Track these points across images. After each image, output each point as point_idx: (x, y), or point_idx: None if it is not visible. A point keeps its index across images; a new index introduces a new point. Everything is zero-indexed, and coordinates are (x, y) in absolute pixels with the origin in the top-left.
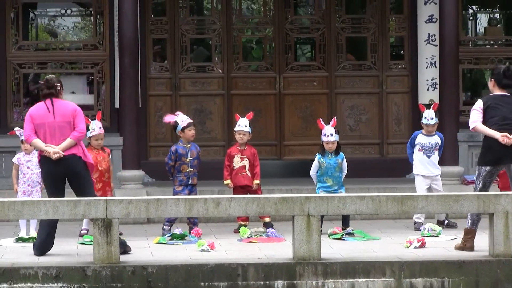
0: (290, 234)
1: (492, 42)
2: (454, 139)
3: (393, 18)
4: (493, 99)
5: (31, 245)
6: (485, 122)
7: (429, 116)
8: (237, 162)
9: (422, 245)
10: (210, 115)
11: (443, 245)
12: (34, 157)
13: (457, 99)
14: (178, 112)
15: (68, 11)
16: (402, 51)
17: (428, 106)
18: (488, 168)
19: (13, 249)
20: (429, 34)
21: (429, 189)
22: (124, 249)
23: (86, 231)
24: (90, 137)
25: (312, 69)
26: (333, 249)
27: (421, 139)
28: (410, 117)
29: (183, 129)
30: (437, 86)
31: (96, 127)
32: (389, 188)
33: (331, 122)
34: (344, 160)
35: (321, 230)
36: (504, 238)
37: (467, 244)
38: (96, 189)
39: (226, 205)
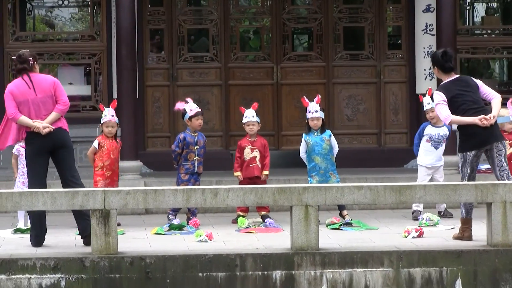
0: (288, 224)
1: (489, 32)
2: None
3: (391, 7)
4: (452, 87)
5: (29, 236)
6: (454, 111)
7: (426, 102)
8: (247, 154)
9: (420, 235)
10: (208, 106)
11: (441, 235)
12: None
13: None
14: (188, 99)
15: (65, 2)
16: (400, 41)
17: (424, 95)
18: (473, 152)
19: (11, 240)
20: (426, 23)
21: (431, 179)
22: None
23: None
24: (101, 124)
25: (309, 59)
26: (331, 239)
27: (430, 130)
28: (407, 107)
29: (190, 117)
30: (435, 75)
31: (108, 114)
32: (387, 178)
33: (315, 99)
34: (332, 137)
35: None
36: (502, 228)
37: (465, 233)
38: (105, 176)
39: (224, 195)
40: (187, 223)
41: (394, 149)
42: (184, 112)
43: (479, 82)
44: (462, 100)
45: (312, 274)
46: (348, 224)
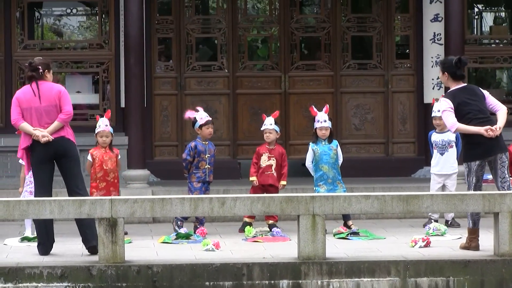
0: (295, 233)
1: (497, 41)
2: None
3: (399, 17)
4: (459, 95)
5: (36, 244)
6: (460, 119)
7: (435, 109)
8: (264, 161)
9: (427, 245)
10: (216, 114)
11: (448, 245)
12: None
13: None
14: (199, 108)
15: (74, 11)
16: (408, 50)
17: (437, 100)
18: (478, 162)
19: (18, 249)
20: (434, 33)
21: (443, 188)
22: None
23: None
24: (96, 134)
25: (317, 69)
26: (338, 248)
27: (434, 137)
28: (415, 116)
29: (201, 126)
30: (443, 85)
31: (102, 124)
32: (394, 187)
33: (324, 109)
34: (339, 147)
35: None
36: (509, 238)
37: (472, 243)
38: (99, 188)
39: (231, 204)
40: (194, 232)
41: (401, 158)
42: (194, 121)
43: (485, 92)
44: (469, 108)
45: (319, 283)
46: (355, 233)
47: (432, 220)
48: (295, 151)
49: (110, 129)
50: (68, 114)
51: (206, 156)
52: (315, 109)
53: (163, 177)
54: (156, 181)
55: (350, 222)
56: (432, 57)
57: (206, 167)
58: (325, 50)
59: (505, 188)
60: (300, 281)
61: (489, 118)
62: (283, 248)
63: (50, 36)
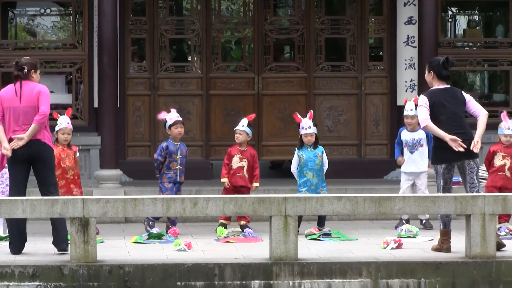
0: (267, 234)
1: (471, 44)
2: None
3: (373, 19)
4: (437, 95)
5: (7, 243)
6: (433, 119)
7: (408, 108)
8: (235, 162)
9: (399, 246)
10: (189, 115)
11: (420, 246)
12: None
13: None
14: (172, 109)
15: (48, 11)
16: (381, 53)
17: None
18: (444, 165)
19: None
20: (408, 35)
21: (413, 187)
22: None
23: None
24: (57, 132)
25: (291, 70)
26: (310, 249)
27: (404, 135)
28: (388, 118)
29: (170, 126)
30: (416, 87)
31: (64, 121)
32: (366, 189)
33: (308, 115)
34: (324, 154)
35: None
36: (481, 240)
37: (444, 245)
38: (59, 186)
39: (204, 205)
40: (166, 232)
41: (374, 160)
42: (165, 122)
43: (468, 97)
44: (443, 111)
45: (291, 284)
46: (327, 234)
47: (403, 221)
48: (268, 152)
49: (71, 127)
50: (42, 115)
51: (178, 157)
52: (299, 116)
53: (135, 177)
54: (128, 181)
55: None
56: (405, 60)
57: (177, 167)
58: (298, 52)
59: (474, 193)
60: (271, 282)
61: (462, 125)
62: (255, 249)
63: (24, 36)
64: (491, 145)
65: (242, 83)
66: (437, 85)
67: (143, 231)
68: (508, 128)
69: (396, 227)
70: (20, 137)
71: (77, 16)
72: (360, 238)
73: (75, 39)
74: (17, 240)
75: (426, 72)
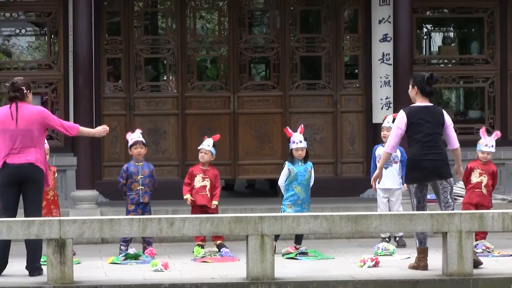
0: (244, 253)
1: (446, 61)
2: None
3: (348, 37)
4: (417, 113)
5: None
6: (409, 137)
7: (387, 120)
8: (198, 181)
9: (376, 264)
10: (165, 135)
11: (397, 264)
12: None
13: None
14: (137, 130)
15: (23, 31)
16: (357, 70)
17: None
18: (415, 184)
19: None
20: (383, 53)
21: (388, 203)
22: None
23: None
24: None
25: (266, 89)
26: (287, 268)
27: (380, 150)
28: (364, 136)
29: (130, 147)
30: (391, 105)
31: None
32: (343, 207)
33: (299, 130)
34: (313, 169)
35: (275, 250)
36: (458, 257)
37: (421, 263)
38: None
39: (180, 224)
40: (143, 252)
41: (350, 178)
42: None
43: (448, 121)
44: (420, 129)
45: None
46: (304, 253)
47: (386, 239)
48: (244, 171)
49: (47, 146)
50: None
51: (139, 177)
52: (289, 130)
53: (112, 198)
54: (105, 202)
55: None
56: (381, 77)
57: (139, 188)
58: (274, 70)
59: None
60: None
61: (437, 145)
62: (231, 269)
63: None
64: (468, 162)
65: (218, 102)
66: (420, 101)
67: (119, 251)
68: (486, 145)
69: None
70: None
71: (52, 36)
72: (337, 257)
73: (50, 59)
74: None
75: (410, 87)
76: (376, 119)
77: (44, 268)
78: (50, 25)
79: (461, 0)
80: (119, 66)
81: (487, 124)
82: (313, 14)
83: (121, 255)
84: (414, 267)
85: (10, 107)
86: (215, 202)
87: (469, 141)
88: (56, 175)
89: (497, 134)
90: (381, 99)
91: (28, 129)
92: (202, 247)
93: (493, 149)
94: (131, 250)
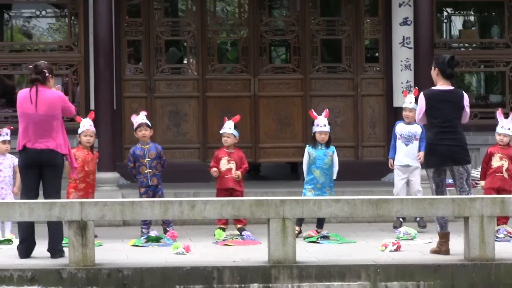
0: (265, 237)
1: (467, 45)
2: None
3: (368, 20)
4: (436, 97)
5: (6, 247)
6: (427, 120)
7: (408, 100)
8: (224, 165)
9: (398, 249)
10: (185, 117)
11: (419, 249)
12: (6, 159)
13: None
14: (142, 112)
15: (43, 12)
16: (377, 54)
17: (409, 91)
18: (432, 169)
19: None
20: (403, 36)
21: (408, 184)
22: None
23: None
24: (79, 134)
25: (287, 72)
26: (308, 252)
27: (401, 127)
28: (385, 120)
29: (135, 129)
30: (412, 89)
31: (86, 124)
32: (364, 191)
33: (324, 113)
34: (335, 154)
35: (301, 230)
36: (480, 242)
37: (443, 247)
38: (78, 189)
39: (201, 207)
40: (165, 235)
41: (371, 162)
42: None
43: (466, 104)
44: (438, 114)
45: (290, 287)
46: (326, 237)
47: (401, 220)
48: (265, 154)
49: (94, 129)
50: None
51: (146, 161)
52: (314, 113)
53: (132, 180)
54: (126, 184)
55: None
56: (401, 61)
57: (146, 171)
58: (294, 53)
59: None
60: (270, 285)
61: (454, 131)
62: (253, 252)
63: (20, 38)
64: (488, 146)
65: (239, 84)
66: (441, 84)
67: (140, 234)
68: (502, 127)
69: (394, 227)
70: None
71: (73, 17)
72: (358, 241)
73: (71, 41)
74: (28, 245)
75: (432, 68)
76: (396, 103)
77: (65, 250)
78: (70, 7)
79: None
80: (139, 48)
81: (508, 108)
82: None
83: (142, 237)
84: (436, 251)
85: (30, 90)
86: (237, 172)
87: (489, 126)
88: (98, 160)
89: None
90: (402, 83)
91: (47, 114)
92: (224, 230)
93: (509, 132)
94: (153, 233)
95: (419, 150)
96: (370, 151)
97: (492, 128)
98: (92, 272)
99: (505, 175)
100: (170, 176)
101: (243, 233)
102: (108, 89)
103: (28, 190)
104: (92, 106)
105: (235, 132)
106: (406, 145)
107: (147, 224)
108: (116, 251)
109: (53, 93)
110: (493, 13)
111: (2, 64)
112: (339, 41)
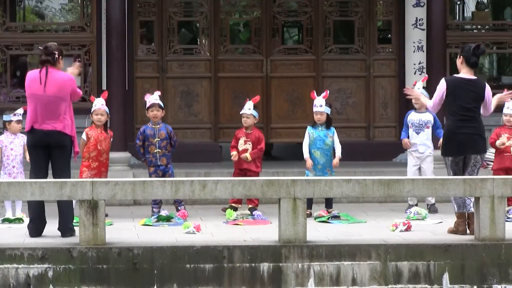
0: (276, 216)
1: (479, 27)
2: (441, 123)
3: (381, 2)
4: (457, 84)
5: (17, 226)
6: (446, 107)
7: (417, 87)
8: (240, 145)
9: (408, 229)
10: (197, 98)
11: (429, 229)
12: (17, 138)
13: None
14: (157, 92)
15: None
16: (390, 35)
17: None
18: (451, 158)
19: None
20: (416, 18)
21: (420, 171)
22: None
23: None
24: (91, 114)
25: (299, 53)
26: (319, 232)
27: (412, 116)
28: (397, 101)
29: (147, 109)
30: (424, 70)
31: (98, 103)
32: (375, 171)
33: (323, 94)
34: (336, 135)
35: (311, 213)
36: (490, 222)
37: (460, 227)
38: (91, 167)
39: (213, 187)
40: (176, 215)
41: (383, 142)
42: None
43: (488, 96)
44: (457, 102)
45: (300, 266)
46: (336, 217)
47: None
48: (276, 134)
49: (106, 108)
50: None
51: (155, 140)
52: (314, 94)
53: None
54: (137, 164)
55: (330, 210)
56: (414, 42)
57: (155, 151)
58: (307, 34)
59: None
60: (280, 264)
61: (472, 119)
62: (263, 231)
63: (32, 18)
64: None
65: (251, 65)
66: (464, 72)
67: (151, 213)
68: (508, 108)
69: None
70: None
71: None
72: (369, 221)
73: (83, 21)
74: (39, 224)
75: (458, 56)
76: (409, 84)
77: (76, 229)
78: None
79: None
80: (152, 29)
81: None
82: None
83: (153, 217)
84: (453, 231)
85: (40, 71)
86: (247, 154)
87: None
88: (112, 140)
89: None
90: (414, 64)
91: (56, 95)
92: (235, 209)
93: None
94: (163, 212)
95: (438, 137)
96: (382, 132)
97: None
98: (103, 251)
99: None
100: (181, 156)
101: (253, 213)
102: (120, 70)
103: (37, 170)
104: (104, 87)
105: (255, 113)
106: (417, 133)
107: (157, 203)
108: (127, 230)
109: (62, 75)
110: None
111: (14, 44)
112: (352, 22)
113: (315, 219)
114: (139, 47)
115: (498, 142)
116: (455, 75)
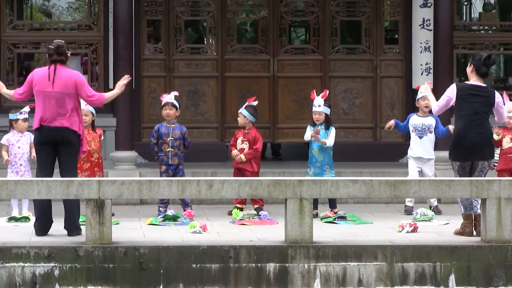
0: (283, 217)
1: (486, 28)
2: (447, 124)
3: (388, 2)
4: (467, 89)
5: (23, 224)
6: (455, 112)
7: (419, 91)
8: (238, 144)
9: (415, 230)
10: (204, 97)
11: (435, 230)
12: (24, 136)
13: (450, 84)
14: (173, 92)
15: None
16: (397, 36)
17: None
18: (458, 163)
19: (5, 229)
20: (423, 18)
21: (421, 173)
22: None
23: None
24: None
25: (306, 52)
26: (325, 232)
27: (414, 120)
28: (403, 101)
29: (162, 108)
30: (431, 71)
31: (82, 103)
32: (382, 172)
33: (322, 94)
34: (332, 132)
35: (317, 214)
36: (497, 224)
37: (466, 229)
38: (83, 169)
39: (219, 187)
40: (182, 214)
41: (389, 143)
42: None
43: (499, 102)
44: (466, 106)
45: (306, 267)
46: (342, 217)
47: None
48: (283, 134)
49: (90, 108)
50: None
51: (169, 139)
52: (315, 94)
53: (150, 159)
54: (143, 163)
55: (335, 210)
56: (421, 43)
57: (168, 150)
58: (314, 34)
59: None
60: (286, 265)
61: (481, 125)
62: (270, 232)
63: (39, 16)
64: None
65: (258, 65)
66: (474, 80)
67: (157, 213)
68: (509, 112)
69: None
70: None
71: None
72: (375, 222)
73: (90, 20)
74: (46, 223)
75: (468, 65)
76: (416, 85)
77: (83, 228)
78: None
79: None
80: (159, 28)
81: None
82: None
83: (159, 216)
84: (459, 233)
85: (49, 68)
86: (241, 155)
87: None
88: (102, 138)
89: None
90: (421, 65)
91: (64, 92)
92: (241, 209)
93: None
94: (170, 212)
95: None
96: (389, 133)
97: None
98: (109, 250)
99: None
100: (188, 156)
101: (260, 213)
102: (127, 68)
103: (43, 167)
104: (111, 85)
105: (244, 112)
106: (420, 137)
107: (164, 203)
108: (133, 230)
109: (70, 72)
110: None
111: (21, 42)
112: (359, 22)
113: (321, 219)
114: (146, 46)
115: (496, 137)
116: (465, 82)
